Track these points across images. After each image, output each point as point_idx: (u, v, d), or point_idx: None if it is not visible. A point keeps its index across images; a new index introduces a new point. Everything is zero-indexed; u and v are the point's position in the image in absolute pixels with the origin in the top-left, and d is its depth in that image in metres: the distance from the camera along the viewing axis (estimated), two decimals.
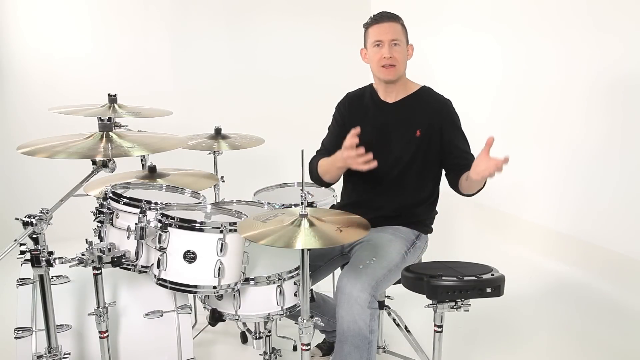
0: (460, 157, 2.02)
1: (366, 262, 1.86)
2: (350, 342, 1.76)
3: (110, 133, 1.68)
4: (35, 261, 1.40)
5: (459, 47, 4.06)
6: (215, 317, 1.76)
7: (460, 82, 4.04)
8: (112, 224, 1.71)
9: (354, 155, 1.77)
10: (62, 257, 1.47)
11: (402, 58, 2.01)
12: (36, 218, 1.37)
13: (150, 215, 1.65)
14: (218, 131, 2.65)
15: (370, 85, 2.17)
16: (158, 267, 1.62)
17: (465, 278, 1.55)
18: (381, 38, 1.98)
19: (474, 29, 3.91)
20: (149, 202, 1.67)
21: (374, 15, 2.04)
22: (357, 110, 2.13)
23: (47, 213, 1.40)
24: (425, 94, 2.11)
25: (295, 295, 1.81)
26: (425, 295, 1.59)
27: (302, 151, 1.61)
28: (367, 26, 2.05)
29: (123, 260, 1.61)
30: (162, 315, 1.80)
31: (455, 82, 4.05)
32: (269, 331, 1.97)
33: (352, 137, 1.77)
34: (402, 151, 2.03)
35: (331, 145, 2.11)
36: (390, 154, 2.04)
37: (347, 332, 1.75)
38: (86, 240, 1.58)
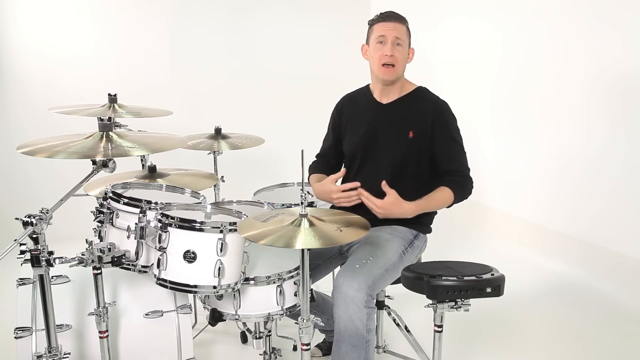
0: (446, 173, 2.01)
1: (363, 261, 1.85)
2: (347, 342, 1.75)
3: (110, 133, 1.68)
4: (35, 261, 1.39)
5: (457, 44, 4.07)
6: (215, 317, 1.76)
7: (458, 78, 4.04)
8: (112, 224, 1.71)
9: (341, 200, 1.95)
10: (62, 257, 1.46)
11: (402, 59, 2.02)
12: (36, 218, 1.37)
13: (150, 215, 1.65)
14: (218, 131, 2.65)
15: (367, 86, 2.18)
16: (158, 267, 1.62)
17: (465, 278, 1.55)
18: (385, 34, 1.98)
19: (473, 27, 3.91)
20: (149, 202, 1.67)
21: (381, 13, 2.04)
22: (351, 113, 2.17)
23: (47, 213, 1.40)
24: (420, 94, 2.10)
25: (295, 295, 1.81)
26: (425, 295, 1.59)
27: (302, 151, 1.61)
28: (372, 23, 2.05)
29: (123, 260, 1.61)
30: (162, 315, 1.80)
31: (453, 78, 4.07)
32: (269, 331, 1.96)
33: (340, 191, 1.93)
34: (394, 153, 2.03)
35: (325, 151, 2.28)
36: (384, 156, 2.04)
37: (344, 332, 1.75)
38: (86, 240, 1.58)
